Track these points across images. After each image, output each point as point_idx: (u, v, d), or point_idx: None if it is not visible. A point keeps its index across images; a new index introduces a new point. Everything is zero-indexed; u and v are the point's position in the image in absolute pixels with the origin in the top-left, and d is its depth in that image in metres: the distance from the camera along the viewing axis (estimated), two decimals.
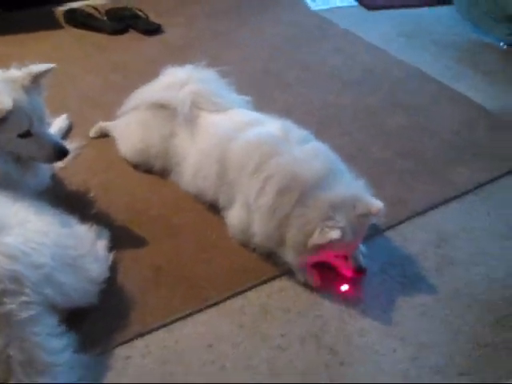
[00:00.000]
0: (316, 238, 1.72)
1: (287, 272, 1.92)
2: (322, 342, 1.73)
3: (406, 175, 2.38)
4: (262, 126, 2.01)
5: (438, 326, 1.79)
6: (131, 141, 2.30)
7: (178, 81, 2.21)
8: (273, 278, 1.91)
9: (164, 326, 1.76)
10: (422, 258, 2.02)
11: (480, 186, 2.35)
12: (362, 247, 1.94)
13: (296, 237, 1.79)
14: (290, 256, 1.85)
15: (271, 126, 2.00)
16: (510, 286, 1.93)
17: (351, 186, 1.84)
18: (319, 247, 1.74)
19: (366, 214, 1.78)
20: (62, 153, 1.93)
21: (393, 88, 3.01)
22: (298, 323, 1.78)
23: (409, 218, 2.17)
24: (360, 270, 1.85)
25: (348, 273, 1.88)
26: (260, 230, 1.88)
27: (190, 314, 1.79)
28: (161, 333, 1.74)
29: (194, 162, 2.10)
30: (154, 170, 2.30)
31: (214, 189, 2.05)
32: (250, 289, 1.87)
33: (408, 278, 1.94)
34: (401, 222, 2.15)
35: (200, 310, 1.81)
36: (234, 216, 2.00)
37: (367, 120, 2.73)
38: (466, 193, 2.31)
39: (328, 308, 1.83)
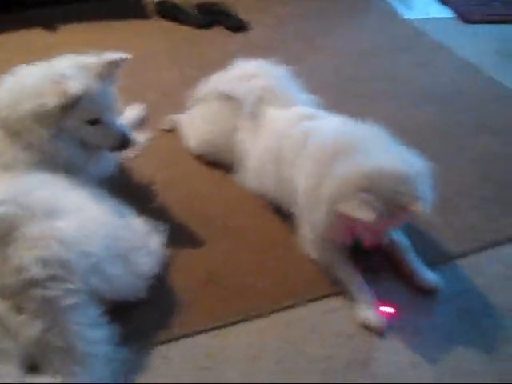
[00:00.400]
0: (346, 207, 1.58)
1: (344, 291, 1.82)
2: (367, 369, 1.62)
3: (484, 201, 2.20)
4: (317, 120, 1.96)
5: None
6: (197, 132, 2.30)
7: (248, 73, 2.18)
8: (328, 296, 1.81)
9: (208, 330, 1.71)
10: (491, 294, 1.84)
11: None
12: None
13: (330, 191, 1.65)
14: (318, 213, 1.70)
15: (327, 120, 1.96)
16: None
17: (408, 168, 1.65)
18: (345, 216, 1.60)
19: (406, 209, 1.60)
20: (125, 142, 1.93)
21: (481, 109, 2.80)
22: (346, 347, 1.68)
23: (481, 249, 2.00)
24: (376, 246, 1.74)
25: (366, 243, 1.73)
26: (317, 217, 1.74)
27: (236, 323, 1.73)
28: (204, 337, 1.69)
29: (255, 159, 2.05)
30: (219, 164, 2.28)
31: (274, 187, 1.99)
32: (301, 304, 1.79)
33: (470, 313, 1.78)
34: (473, 252, 1.99)
35: (246, 320, 1.74)
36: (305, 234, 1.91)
37: (448, 140, 2.56)
38: None
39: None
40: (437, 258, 1.94)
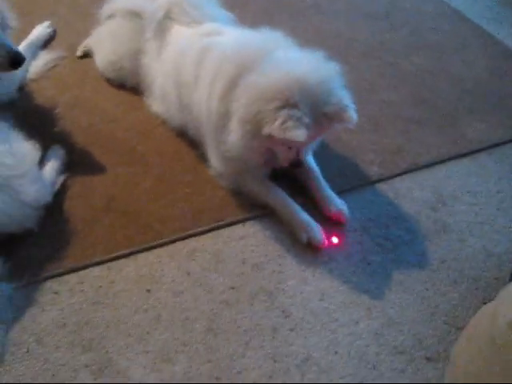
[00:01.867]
0: (274, 129, 1.40)
1: (253, 217, 1.69)
2: (275, 301, 1.51)
3: (412, 124, 2.08)
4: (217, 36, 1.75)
5: (413, 301, 1.54)
6: (104, 52, 2.08)
7: None
8: (234, 223, 1.69)
9: (102, 262, 1.58)
10: (411, 219, 1.75)
11: (496, 145, 2.03)
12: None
13: (246, 111, 1.47)
14: (233, 134, 1.53)
15: (228, 35, 1.75)
16: (506, 263, 1.65)
17: (325, 73, 1.50)
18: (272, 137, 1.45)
19: (335, 118, 1.47)
20: (16, 60, 1.71)
21: (418, 26, 2.64)
22: (251, 277, 1.56)
23: (406, 172, 1.89)
24: (296, 164, 1.58)
25: (284, 163, 1.60)
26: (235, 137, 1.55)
27: (134, 253, 1.60)
28: (98, 270, 1.56)
29: (159, 83, 1.86)
30: (129, 87, 2.09)
31: (178, 114, 1.81)
32: (205, 232, 1.66)
33: (391, 240, 1.69)
34: (396, 175, 1.88)
35: (145, 250, 1.61)
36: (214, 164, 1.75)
37: (380, 58, 2.40)
38: (479, 151, 2.00)
39: (290, 264, 1.60)
40: (356, 181, 1.83)
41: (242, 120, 1.50)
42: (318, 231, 1.62)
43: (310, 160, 1.76)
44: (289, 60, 1.53)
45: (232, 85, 1.55)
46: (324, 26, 2.57)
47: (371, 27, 2.60)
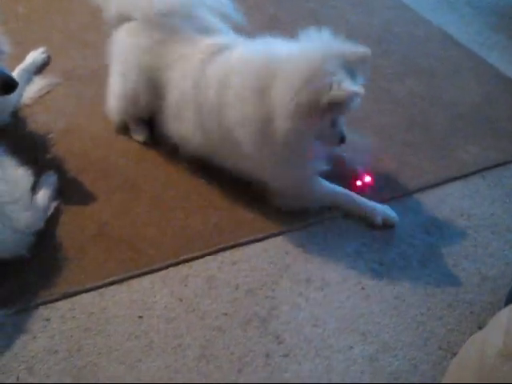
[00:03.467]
0: (334, 94, 1.50)
1: (246, 243, 1.69)
2: (268, 327, 1.49)
3: (406, 148, 2.09)
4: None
5: (408, 326, 1.53)
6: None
7: None
8: (227, 248, 1.68)
9: (95, 288, 1.56)
10: (406, 243, 1.75)
11: (489, 168, 2.04)
12: None
13: (299, 94, 1.54)
14: (284, 123, 1.58)
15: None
16: (501, 287, 1.64)
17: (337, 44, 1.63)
18: (326, 108, 1.52)
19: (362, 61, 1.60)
20: (8, 84, 1.72)
21: (411, 51, 2.67)
22: (244, 303, 1.55)
23: (399, 196, 1.89)
24: (343, 138, 1.67)
25: (334, 142, 1.69)
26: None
27: (126, 279, 1.59)
28: (90, 296, 1.54)
29: (175, 100, 1.84)
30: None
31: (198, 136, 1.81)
32: (198, 258, 1.65)
33: (385, 265, 1.68)
34: (389, 199, 1.87)
35: (138, 276, 1.59)
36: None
37: (374, 83, 2.40)
38: (472, 174, 2.01)
39: (283, 289, 1.59)
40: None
41: (294, 106, 1.55)
42: (387, 211, 1.79)
43: None
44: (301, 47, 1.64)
45: (265, 88, 1.61)
46: None
47: None
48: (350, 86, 1.49)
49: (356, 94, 1.51)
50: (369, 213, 1.78)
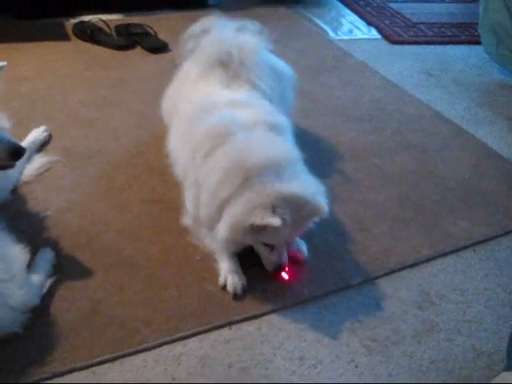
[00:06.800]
0: (255, 217, 1.62)
1: (239, 320, 1.69)
2: None
3: (398, 223, 2.12)
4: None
5: None
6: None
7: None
8: (221, 326, 1.68)
9: (88, 367, 1.54)
10: (399, 319, 1.75)
11: (481, 242, 2.07)
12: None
13: (234, 214, 1.68)
14: (220, 231, 1.73)
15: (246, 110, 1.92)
16: (497, 362, 1.64)
17: (305, 186, 1.72)
18: (254, 230, 1.66)
19: (311, 216, 1.73)
20: (16, 152, 1.79)
21: (401, 127, 2.77)
22: (238, 382, 1.53)
23: (391, 272, 1.91)
24: (278, 268, 1.78)
25: (268, 267, 1.79)
26: (204, 210, 1.81)
27: (119, 358, 1.57)
28: (83, 374, 1.53)
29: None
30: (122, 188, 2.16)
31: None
32: (192, 336, 1.64)
33: (378, 341, 1.68)
34: (382, 275, 1.89)
35: (131, 354, 1.58)
36: (188, 198, 1.94)
37: (365, 159, 2.49)
38: (464, 248, 2.04)
39: (277, 367, 1.58)
40: (342, 283, 1.85)
41: (231, 226, 1.70)
42: (236, 283, 1.77)
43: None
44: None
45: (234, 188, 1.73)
46: (311, 130, 2.67)
47: (356, 129, 2.71)
48: (270, 218, 1.60)
49: (274, 224, 1.60)
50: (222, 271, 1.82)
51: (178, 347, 1.61)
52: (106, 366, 1.56)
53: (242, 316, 1.70)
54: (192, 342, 1.63)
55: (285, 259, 1.78)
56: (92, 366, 1.54)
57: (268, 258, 1.77)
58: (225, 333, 1.66)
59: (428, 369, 1.61)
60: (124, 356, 1.58)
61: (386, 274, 1.90)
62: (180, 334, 1.63)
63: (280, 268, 1.78)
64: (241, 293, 1.75)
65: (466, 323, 1.76)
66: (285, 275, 1.82)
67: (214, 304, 1.73)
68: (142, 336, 1.62)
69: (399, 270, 1.92)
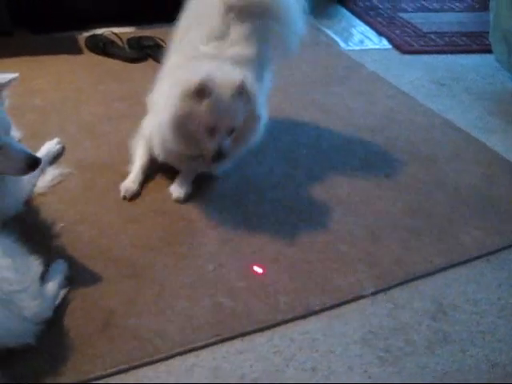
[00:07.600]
0: (195, 79, 1.86)
1: (251, 332, 1.69)
2: None
3: (410, 233, 2.12)
4: None
5: None
6: None
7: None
8: (233, 337, 1.68)
9: (100, 378, 1.55)
10: (412, 330, 1.74)
11: (494, 252, 2.06)
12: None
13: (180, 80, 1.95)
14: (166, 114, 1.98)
15: None
16: (511, 374, 1.62)
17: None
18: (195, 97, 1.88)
19: (246, 104, 1.92)
20: (33, 162, 1.80)
21: (413, 137, 2.76)
22: None
23: (404, 283, 1.90)
24: (217, 156, 1.93)
25: (207, 153, 1.96)
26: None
27: (132, 368, 1.58)
28: None
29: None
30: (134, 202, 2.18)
31: None
32: (204, 347, 1.64)
33: (391, 352, 1.67)
34: (395, 286, 1.89)
35: (144, 365, 1.59)
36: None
37: (377, 169, 2.49)
38: (477, 258, 2.03)
39: (288, 379, 1.57)
40: (354, 294, 1.85)
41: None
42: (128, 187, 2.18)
43: None
44: None
45: None
46: (322, 140, 2.68)
47: (368, 139, 2.71)
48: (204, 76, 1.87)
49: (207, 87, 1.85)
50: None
51: (190, 358, 1.62)
52: (118, 377, 1.56)
53: (254, 327, 1.70)
54: (204, 353, 1.63)
55: (226, 149, 1.89)
56: (105, 377, 1.55)
57: (208, 148, 1.92)
58: (237, 344, 1.66)
59: (442, 380, 1.60)
60: (137, 367, 1.58)
61: (399, 285, 1.89)
62: (192, 345, 1.64)
63: (220, 156, 1.92)
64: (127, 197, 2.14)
65: (479, 334, 1.75)
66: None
67: (227, 315, 1.73)
68: (154, 347, 1.63)
69: (412, 280, 1.92)
